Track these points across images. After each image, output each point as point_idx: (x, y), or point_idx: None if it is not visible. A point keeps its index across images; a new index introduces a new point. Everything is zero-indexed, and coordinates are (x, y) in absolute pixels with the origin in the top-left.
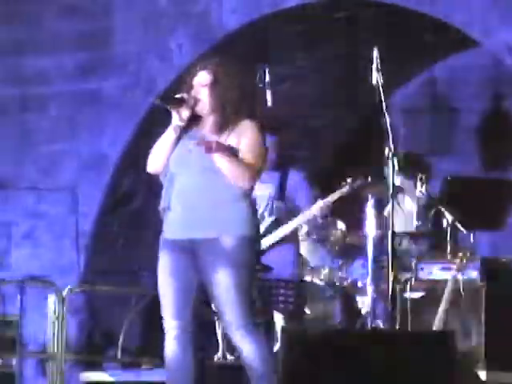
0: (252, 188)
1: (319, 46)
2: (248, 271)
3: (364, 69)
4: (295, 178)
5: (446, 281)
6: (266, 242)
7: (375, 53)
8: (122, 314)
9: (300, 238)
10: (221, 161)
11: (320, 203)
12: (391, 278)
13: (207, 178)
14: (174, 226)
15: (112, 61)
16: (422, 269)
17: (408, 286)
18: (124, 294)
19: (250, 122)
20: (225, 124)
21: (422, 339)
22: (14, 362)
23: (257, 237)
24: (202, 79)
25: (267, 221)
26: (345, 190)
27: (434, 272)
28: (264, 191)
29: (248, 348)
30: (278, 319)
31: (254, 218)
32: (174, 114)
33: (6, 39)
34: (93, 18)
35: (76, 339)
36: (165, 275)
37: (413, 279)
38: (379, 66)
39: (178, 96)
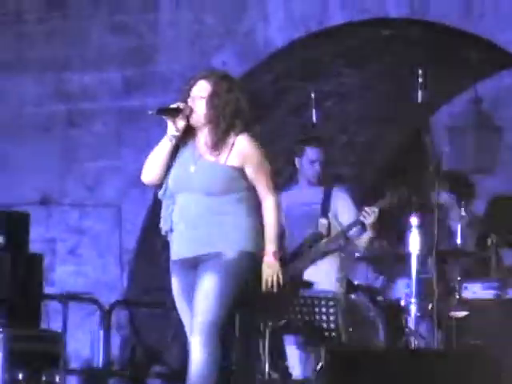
0: (259, 204)
1: (365, 64)
2: (235, 284)
3: (409, 86)
4: (339, 195)
5: (489, 300)
6: (308, 258)
7: (421, 71)
8: (164, 330)
9: (343, 255)
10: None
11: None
12: (435, 297)
13: (208, 197)
14: (179, 246)
15: (157, 78)
16: (465, 288)
17: (452, 304)
18: (166, 310)
19: (245, 137)
20: (219, 138)
21: (466, 358)
22: (57, 378)
23: (260, 252)
24: (201, 89)
25: (311, 236)
26: (385, 202)
27: (478, 291)
28: (308, 208)
29: (198, 357)
30: (323, 337)
31: (259, 233)
32: (170, 124)
33: (53, 55)
34: (139, 35)
35: (119, 355)
36: (177, 297)
37: (457, 298)
38: (425, 84)
39: (173, 106)
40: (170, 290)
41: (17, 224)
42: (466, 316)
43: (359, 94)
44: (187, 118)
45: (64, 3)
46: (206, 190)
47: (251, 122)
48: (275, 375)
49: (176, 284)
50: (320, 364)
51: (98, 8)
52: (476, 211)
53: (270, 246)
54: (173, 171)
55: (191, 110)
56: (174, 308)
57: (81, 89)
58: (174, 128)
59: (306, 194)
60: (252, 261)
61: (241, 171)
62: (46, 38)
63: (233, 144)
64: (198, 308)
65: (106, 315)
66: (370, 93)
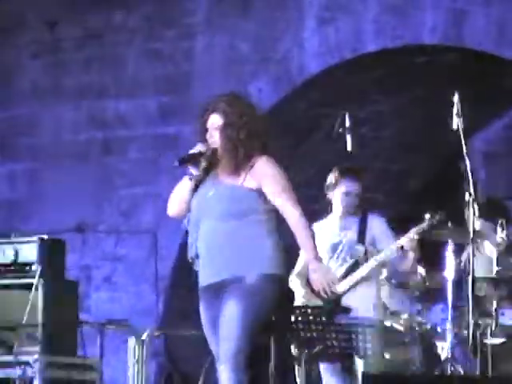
0: (277, 225)
1: (399, 91)
2: (258, 309)
3: (444, 113)
4: (376, 221)
5: None
6: (346, 285)
7: (456, 97)
8: (200, 357)
9: (381, 282)
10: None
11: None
12: (471, 324)
13: (228, 221)
14: (205, 271)
15: (192, 105)
16: (503, 314)
17: (488, 331)
18: (202, 337)
19: (263, 159)
20: (239, 164)
21: None
22: None
23: (283, 274)
24: (214, 122)
25: (348, 263)
26: (424, 225)
27: None
28: (345, 236)
29: (227, 378)
30: (359, 363)
31: (281, 254)
32: (192, 170)
33: (89, 83)
34: (174, 62)
35: (155, 382)
36: (204, 324)
37: (493, 325)
38: (460, 111)
39: (194, 152)
40: None
41: (53, 251)
42: (503, 343)
43: (394, 120)
44: (209, 158)
45: (100, 31)
46: (224, 212)
47: (268, 141)
48: None
49: (202, 312)
50: None
51: (133, 36)
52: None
53: (309, 254)
54: (195, 199)
55: (212, 151)
56: None
57: (116, 116)
58: (195, 170)
59: (339, 223)
60: (274, 283)
61: (259, 192)
62: (82, 65)
63: (251, 166)
64: (223, 335)
65: (142, 342)
66: (405, 120)
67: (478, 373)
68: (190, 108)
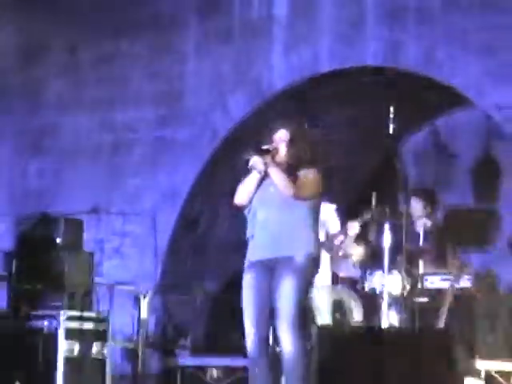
0: (318, 218)
1: (348, 103)
2: (307, 283)
3: (383, 121)
4: (328, 208)
5: (445, 289)
6: None
7: (392, 109)
8: (189, 313)
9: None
10: (273, 172)
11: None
12: (402, 287)
13: (283, 211)
14: (258, 249)
15: (184, 114)
16: (426, 279)
17: (415, 292)
18: (191, 297)
19: (309, 170)
20: (294, 171)
21: (425, 335)
22: (105, 349)
23: (319, 255)
24: (282, 135)
25: None
26: (368, 216)
27: (436, 282)
28: None
29: (291, 346)
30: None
31: (318, 240)
32: (259, 162)
33: (101, 97)
34: (169, 81)
35: (154, 332)
36: (248, 291)
37: (419, 287)
38: (394, 119)
39: (264, 147)
40: (193, 280)
41: (73, 228)
42: (427, 302)
43: (344, 127)
44: (273, 158)
45: (110, 55)
46: (281, 201)
47: (313, 160)
48: None
49: (250, 280)
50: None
51: (137, 59)
52: (436, 219)
53: None
54: (257, 193)
55: (277, 151)
56: (198, 295)
57: (123, 123)
58: (261, 164)
59: None
60: (315, 261)
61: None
62: (96, 82)
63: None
64: (284, 304)
65: (143, 301)
66: (353, 126)
67: (407, 325)
68: (182, 117)
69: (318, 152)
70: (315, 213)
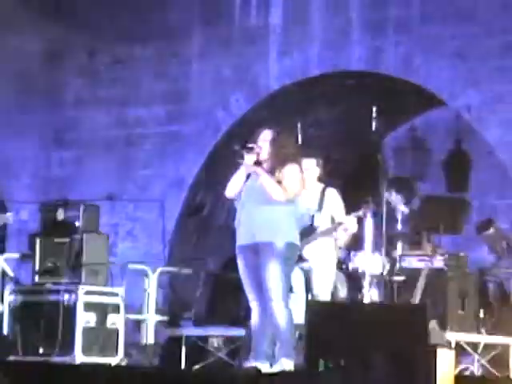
0: (295, 209)
1: (335, 103)
2: (289, 265)
3: (366, 119)
4: (332, 194)
5: (420, 268)
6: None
7: (374, 109)
8: (193, 288)
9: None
10: (264, 178)
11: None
12: (382, 267)
13: (265, 203)
14: (244, 235)
15: (189, 112)
16: (403, 260)
17: (393, 272)
18: (195, 274)
19: (292, 166)
20: (276, 168)
21: (402, 310)
22: (118, 321)
23: (297, 242)
24: (266, 136)
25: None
26: (361, 213)
27: (412, 262)
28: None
29: (281, 314)
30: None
31: (297, 229)
32: (246, 158)
33: (115, 95)
34: (176, 81)
35: (162, 306)
36: (243, 272)
37: (397, 267)
38: (377, 118)
39: (250, 145)
40: (197, 260)
41: (91, 213)
42: (404, 280)
43: (331, 124)
44: (257, 155)
45: (124, 58)
46: (264, 194)
47: (294, 156)
48: None
49: (240, 261)
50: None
51: (148, 62)
52: (413, 206)
53: None
54: (244, 187)
55: (260, 149)
56: (201, 272)
57: (135, 118)
58: (248, 160)
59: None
60: (294, 249)
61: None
62: (111, 82)
63: (284, 170)
64: (273, 287)
65: (152, 278)
66: (340, 123)
67: (386, 301)
68: (188, 113)
69: (299, 150)
70: (293, 205)
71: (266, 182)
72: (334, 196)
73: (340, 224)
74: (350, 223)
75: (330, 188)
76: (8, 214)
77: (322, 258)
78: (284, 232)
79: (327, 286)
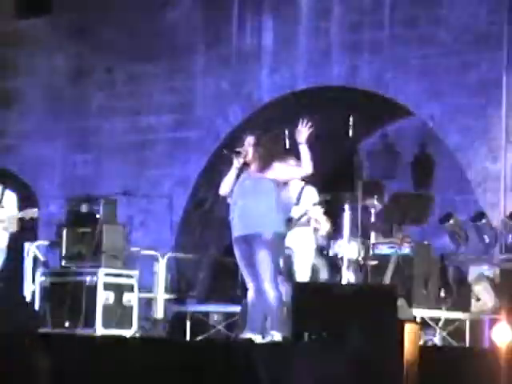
0: (280, 204)
1: (318, 113)
2: (277, 253)
3: (345, 126)
4: (310, 191)
5: (390, 255)
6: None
7: (351, 118)
8: (197, 271)
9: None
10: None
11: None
12: (358, 252)
13: (254, 199)
14: (237, 228)
15: (193, 120)
16: (376, 247)
17: (368, 257)
18: (199, 258)
19: (278, 164)
20: (262, 168)
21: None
22: (132, 299)
23: (284, 232)
24: (250, 141)
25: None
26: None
27: (384, 249)
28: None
29: (271, 293)
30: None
31: (283, 221)
32: (235, 161)
33: (130, 106)
34: (182, 94)
35: (170, 285)
36: (238, 258)
37: (370, 253)
38: (353, 126)
39: (237, 150)
40: (200, 246)
41: (109, 206)
42: (376, 264)
43: (315, 130)
44: (244, 158)
45: (138, 74)
46: (253, 191)
47: (275, 158)
48: None
49: (236, 251)
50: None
51: (158, 77)
52: (384, 201)
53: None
54: (236, 186)
55: (246, 153)
56: (203, 257)
57: (148, 126)
58: (237, 162)
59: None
60: (281, 239)
61: (274, 181)
62: (127, 95)
63: (268, 171)
64: (263, 271)
65: (162, 262)
66: (322, 130)
67: (361, 282)
68: (192, 122)
69: (285, 152)
70: (278, 200)
71: (304, 151)
72: (310, 193)
73: (305, 214)
74: (315, 213)
75: (309, 186)
76: (34, 210)
77: (301, 244)
78: (271, 224)
79: (306, 268)
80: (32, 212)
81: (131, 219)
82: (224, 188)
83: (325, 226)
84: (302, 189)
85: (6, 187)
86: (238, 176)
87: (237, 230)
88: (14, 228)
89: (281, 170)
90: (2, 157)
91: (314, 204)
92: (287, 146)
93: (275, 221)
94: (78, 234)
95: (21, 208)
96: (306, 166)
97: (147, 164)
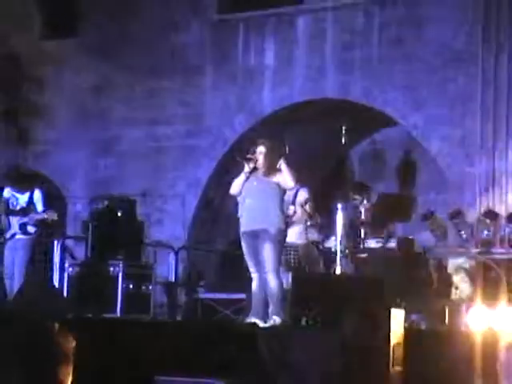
0: (283, 202)
1: (314, 122)
2: (279, 246)
3: (338, 134)
4: (303, 192)
5: (378, 248)
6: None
7: (344, 126)
8: (207, 263)
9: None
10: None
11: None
12: (350, 246)
13: (261, 198)
14: (245, 224)
15: (204, 129)
16: (366, 242)
17: (358, 250)
18: (209, 253)
19: (279, 172)
20: (270, 173)
21: (365, 280)
22: (150, 287)
23: (286, 228)
24: (260, 149)
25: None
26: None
27: (372, 243)
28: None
29: (274, 282)
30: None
31: (284, 218)
32: (246, 166)
33: (149, 117)
34: (193, 106)
35: (182, 275)
36: (245, 251)
37: (360, 247)
38: (345, 134)
39: (249, 156)
40: (210, 240)
41: (129, 205)
42: (366, 257)
43: (311, 138)
44: (254, 164)
45: (154, 90)
46: (260, 191)
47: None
48: None
49: (244, 244)
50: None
51: (171, 91)
52: (372, 201)
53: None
54: (245, 186)
55: (256, 160)
56: (212, 251)
57: (164, 134)
58: (247, 167)
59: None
60: (283, 233)
61: (278, 185)
62: (145, 107)
63: (274, 175)
64: (267, 262)
65: (176, 254)
66: (318, 137)
67: (353, 273)
68: (203, 131)
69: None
70: (282, 200)
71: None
72: (303, 194)
73: (295, 212)
74: (297, 208)
75: (303, 188)
76: (55, 214)
77: (294, 238)
78: (275, 221)
79: (303, 260)
80: (53, 215)
81: (149, 217)
82: (234, 188)
83: (314, 216)
84: (297, 191)
85: (35, 188)
86: (247, 178)
87: (245, 226)
88: None
89: (282, 176)
90: (35, 162)
91: (306, 201)
92: (287, 152)
93: (279, 218)
94: (102, 230)
95: (48, 207)
96: (288, 181)
97: (163, 168)
